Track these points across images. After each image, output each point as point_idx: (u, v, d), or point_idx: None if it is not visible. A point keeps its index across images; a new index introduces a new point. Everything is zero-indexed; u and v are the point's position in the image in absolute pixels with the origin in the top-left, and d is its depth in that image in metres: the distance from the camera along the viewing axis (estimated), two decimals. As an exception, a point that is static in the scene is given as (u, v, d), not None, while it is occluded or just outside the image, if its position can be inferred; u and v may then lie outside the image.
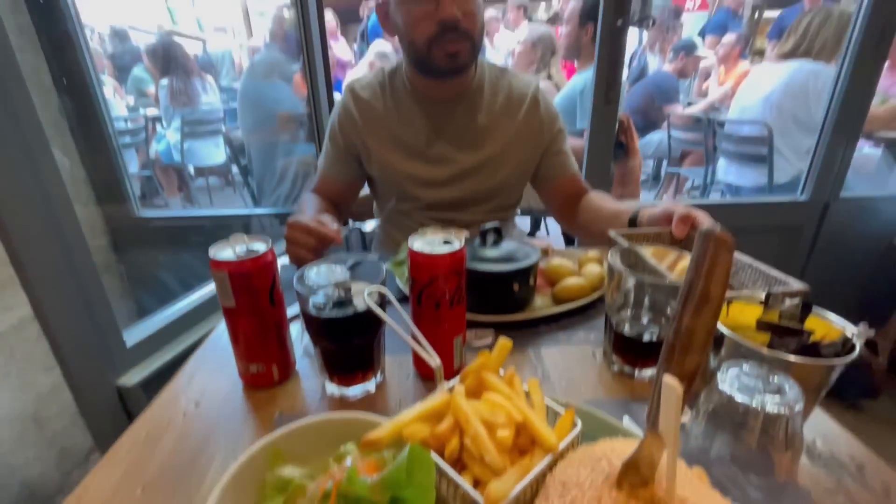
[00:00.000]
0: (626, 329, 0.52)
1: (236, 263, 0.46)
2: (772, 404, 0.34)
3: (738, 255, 0.65)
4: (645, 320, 0.52)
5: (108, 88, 4.27)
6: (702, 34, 4.84)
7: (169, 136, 3.42)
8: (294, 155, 2.06)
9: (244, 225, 1.80)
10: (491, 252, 0.64)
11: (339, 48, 4.06)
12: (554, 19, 4.80)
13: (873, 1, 1.43)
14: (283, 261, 0.88)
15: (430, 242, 0.49)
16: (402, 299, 0.72)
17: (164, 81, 3.30)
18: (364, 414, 0.36)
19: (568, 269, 0.70)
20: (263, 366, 0.51)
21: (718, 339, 0.43)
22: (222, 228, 1.87)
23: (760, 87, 2.01)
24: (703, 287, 0.22)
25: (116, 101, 4.07)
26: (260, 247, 0.49)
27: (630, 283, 0.50)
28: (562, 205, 1.01)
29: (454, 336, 0.51)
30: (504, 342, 0.39)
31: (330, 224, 0.68)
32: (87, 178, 1.54)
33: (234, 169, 3.59)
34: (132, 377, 0.81)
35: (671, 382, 0.23)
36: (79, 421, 0.86)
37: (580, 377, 0.54)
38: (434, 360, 0.38)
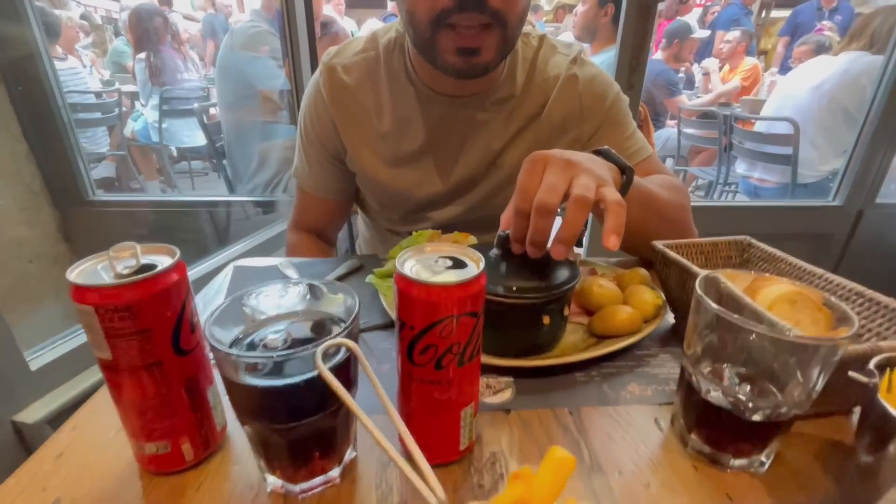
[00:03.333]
0: (718, 396, 0.35)
1: (110, 291, 0.28)
2: None
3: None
4: (745, 387, 0.35)
5: (86, 60, 4.01)
6: (712, 27, 4.66)
7: (146, 114, 3.18)
8: (276, 138, 1.86)
9: (211, 213, 1.60)
10: (512, 268, 0.46)
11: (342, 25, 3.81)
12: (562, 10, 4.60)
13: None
14: (219, 280, 0.65)
15: (429, 264, 0.31)
16: (390, 325, 0.55)
17: (142, 55, 3.05)
18: None
19: (611, 294, 0.52)
20: (168, 443, 0.33)
21: None
22: (190, 216, 1.68)
23: (812, 77, 1.86)
24: None
25: (91, 74, 3.81)
26: (160, 262, 0.31)
27: (736, 335, 0.33)
28: None
29: (463, 406, 0.33)
30: (562, 457, 0.22)
31: None
32: (29, 153, 1.33)
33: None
34: (36, 411, 0.63)
35: None
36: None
37: (644, 463, 0.37)
38: (435, 494, 0.21)
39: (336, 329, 0.33)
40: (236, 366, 0.27)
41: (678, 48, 3.25)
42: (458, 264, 0.32)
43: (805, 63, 2.07)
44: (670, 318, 0.56)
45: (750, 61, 3.93)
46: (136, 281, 0.29)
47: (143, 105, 3.27)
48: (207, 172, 4.07)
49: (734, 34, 3.88)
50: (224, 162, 1.85)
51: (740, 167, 2.26)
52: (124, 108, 3.23)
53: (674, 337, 0.53)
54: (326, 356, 0.27)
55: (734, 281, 0.48)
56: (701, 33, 3.68)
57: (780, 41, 4.37)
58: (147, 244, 0.32)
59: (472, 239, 0.63)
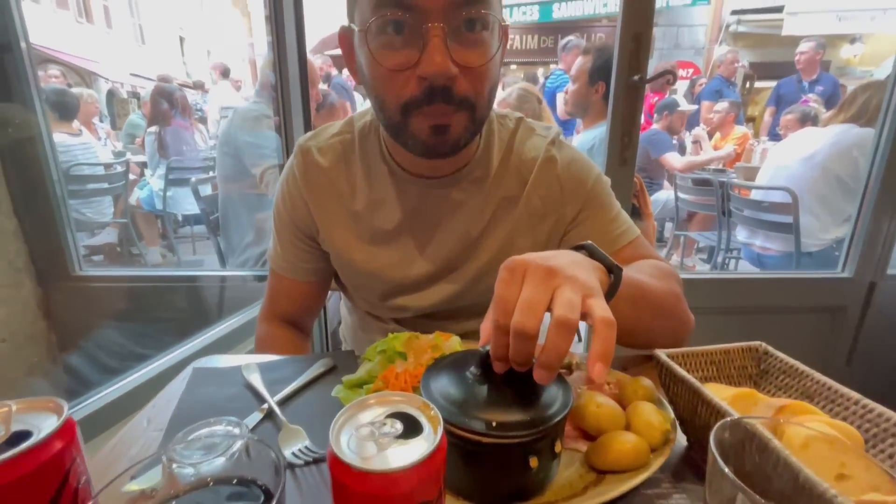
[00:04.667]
0: None
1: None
2: None
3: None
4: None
5: (101, 132, 4.20)
6: (698, 100, 4.89)
7: (153, 182, 3.26)
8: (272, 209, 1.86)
9: (200, 288, 1.55)
10: (493, 393, 0.39)
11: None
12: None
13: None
14: (175, 385, 0.56)
15: (371, 432, 0.25)
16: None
17: (153, 128, 3.19)
18: None
19: (611, 415, 0.45)
20: None
21: None
22: (179, 291, 1.63)
23: (802, 148, 1.89)
24: None
25: (105, 146, 3.97)
26: (39, 426, 0.25)
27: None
28: None
29: None
30: None
31: None
32: (17, 229, 1.31)
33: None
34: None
35: None
36: None
37: None
38: None
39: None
40: None
41: (669, 120, 3.40)
42: (411, 427, 0.25)
43: (794, 134, 2.11)
44: (683, 438, 0.48)
45: (740, 129, 4.08)
46: (-6, 462, 0.22)
47: (150, 174, 3.37)
48: (209, 237, 4.10)
49: (722, 105, 4.06)
50: (218, 238, 1.84)
51: (741, 234, 2.23)
52: (133, 176, 3.33)
53: (687, 468, 0.45)
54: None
55: (752, 410, 0.41)
56: (688, 107, 3.86)
57: (767, 110, 4.55)
58: (28, 399, 0.26)
59: (455, 340, 0.57)
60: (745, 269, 2.45)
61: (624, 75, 1.31)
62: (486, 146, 0.67)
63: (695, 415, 0.43)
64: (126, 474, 0.25)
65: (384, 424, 0.25)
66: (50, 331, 1.41)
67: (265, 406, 0.53)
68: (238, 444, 0.30)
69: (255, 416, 0.51)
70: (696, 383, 0.42)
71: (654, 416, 0.45)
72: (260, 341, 0.76)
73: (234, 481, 0.28)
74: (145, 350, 1.22)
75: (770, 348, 0.50)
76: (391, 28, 0.51)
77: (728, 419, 0.30)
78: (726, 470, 0.26)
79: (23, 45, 1.24)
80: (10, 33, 1.23)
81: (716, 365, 0.50)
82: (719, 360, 0.50)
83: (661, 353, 0.47)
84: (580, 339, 0.40)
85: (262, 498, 0.26)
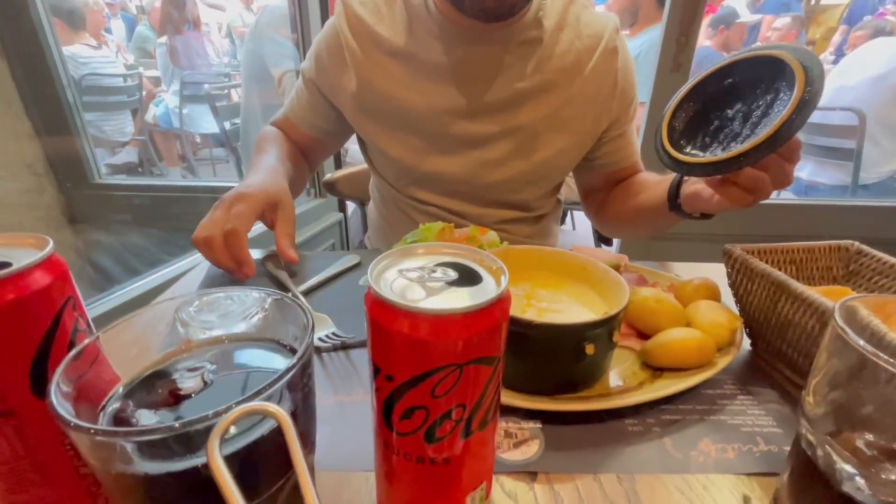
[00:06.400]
0: (867, 495, 0.22)
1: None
2: None
3: None
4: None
5: (112, 45, 4.03)
6: (761, 12, 4.36)
7: (168, 99, 3.15)
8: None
9: (215, 200, 1.51)
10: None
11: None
12: None
13: None
14: (191, 276, 0.57)
15: (419, 276, 0.20)
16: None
17: (163, 39, 3.02)
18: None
19: (673, 312, 0.40)
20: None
21: None
22: (201, 202, 1.61)
23: (872, 65, 1.65)
24: None
25: (118, 58, 3.82)
26: (20, 258, 0.21)
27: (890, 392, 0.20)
28: (604, 196, 0.74)
29: (469, 491, 0.22)
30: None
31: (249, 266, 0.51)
32: (32, 132, 1.28)
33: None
34: None
35: None
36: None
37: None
38: None
39: (282, 360, 0.22)
40: (96, 446, 0.17)
41: (725, 35, 3.03)
42: (467, 277, 0.20)
43: (860, 48, 1.83)
44: (746, 344, 0.43)
45: (801, 49, 3.65)
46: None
47: (164, 90, 3.25)
48: (229, 160, 4.04)
49: (784, 21, 3.60)
50: (237, 145, 1.78)
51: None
52: (145, 92, 3.22)
53: (753, 373, 0.41)
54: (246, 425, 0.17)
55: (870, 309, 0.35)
56: (748, 17, 3.42)
57: (839, 29, 4.05)
58: (11, 233, 0.22)
59: (493, 235, 0.52)
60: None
61: (688, -40, 1.12)
62: (535, 9, 0.62)
63: (773, 313, 0.38)
64: (137, 316, 0.21)
65: (434, 272, 0.20)
66: (76, 235, 1.42)
67: (289, 294, 0.49)
68: (259, 303, 0.26)
69: (279, 304, 0.48)
70: (782, 275, 0.36)
71: (722, 313, 0.40)
72: (264, 132, 0.73)
73: (256, 339, 0.24)
74: (169, 257, 1.22)
75: (864, 247, 0.43)
76: None
77: (852, 297, 0.25)
78: (861, 343, 0.21)
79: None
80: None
81: (795, 264, 0.43)
82: (800, 259, 0.43)
83: (734, 248, 0.41)
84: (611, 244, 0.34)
85: (290, 355, 0.22)
